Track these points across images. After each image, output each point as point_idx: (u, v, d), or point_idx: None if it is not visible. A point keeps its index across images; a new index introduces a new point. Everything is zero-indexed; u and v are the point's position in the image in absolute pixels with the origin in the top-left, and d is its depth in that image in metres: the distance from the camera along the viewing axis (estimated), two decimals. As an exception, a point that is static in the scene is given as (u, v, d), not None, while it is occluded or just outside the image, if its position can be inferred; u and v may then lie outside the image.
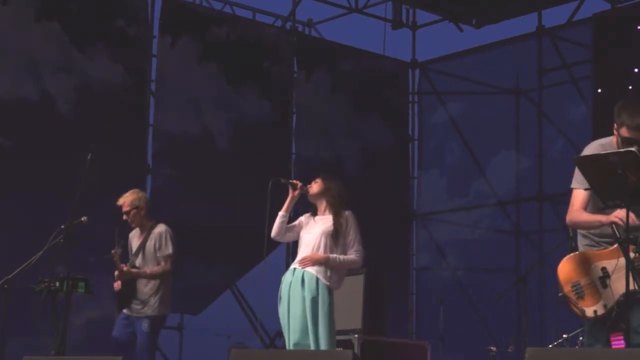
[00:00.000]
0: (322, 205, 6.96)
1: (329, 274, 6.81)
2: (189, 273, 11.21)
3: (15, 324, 8.72)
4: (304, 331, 6.70)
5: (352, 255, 6.88)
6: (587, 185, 5.13)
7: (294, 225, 6.99)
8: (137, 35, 11.97)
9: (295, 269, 6.88)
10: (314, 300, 6.73)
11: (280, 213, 6.92)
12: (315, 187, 6.96)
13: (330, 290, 6.82)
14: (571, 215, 5.22)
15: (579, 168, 5.10)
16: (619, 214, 4.90)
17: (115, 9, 11.83)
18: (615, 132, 5.17)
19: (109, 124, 11.35)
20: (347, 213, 6.90)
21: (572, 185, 5.25)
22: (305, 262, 6.81)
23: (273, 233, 6.96)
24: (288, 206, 6.94)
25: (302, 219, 7.01)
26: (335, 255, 6.82)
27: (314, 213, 7.00)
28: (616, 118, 5.12)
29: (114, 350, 7.77)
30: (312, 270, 6.79)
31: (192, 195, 12.00)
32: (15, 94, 10.97)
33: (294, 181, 6.96)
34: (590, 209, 5.19)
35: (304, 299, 6.75)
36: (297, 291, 6.79)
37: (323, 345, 6.65)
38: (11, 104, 10.91)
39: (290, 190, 6.94)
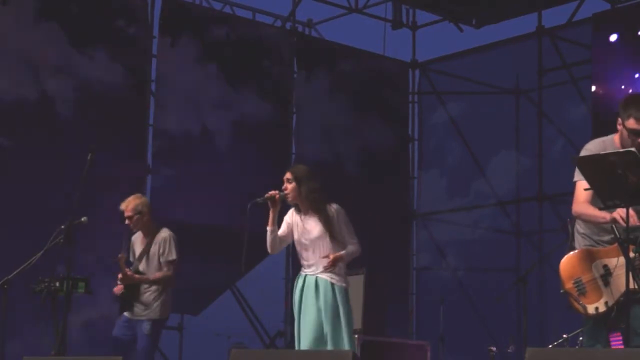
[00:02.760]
0: (303, 203, 6.85)
1: (341, 275, 6.77)
2: (189, 273, 11.17)
3: (15, 324, 8.73)
4: (319, 339, 6.64)
5: (352, 246, 6.80)
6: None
7: (284, 232, 6.87)
8: (137, 35, 11.96)
9: (306, 275, 6.81)
10: (333, 307, 6.67)
11: (268, 228, 6.80)
12: (290, 189, 6.79)
13: (346, 291, 6.79)
14: (578, 207, 5.23)
15: (579, 168, 5.10)
16: (622, 212, 4.91)
17: (115, 9, 11.82)
18: (619, 127, 5.19)
19: (109, 124, 11.34)
20: (332, 207, 6.77)
21: (575, 178, 5.26)
22: (328, 265, 6.69)
23: (269, 250, 6.87)
24: (273, 220, 6.80)
25: (288, 219, 6.89)
26: (344, 252, 6.75)
27: (298, 209, 6.89)
28: (622, 112, 5.16)
29: (113, 349, 7.77)
30: (324, 276, 6.74)
31: (192, 195, 12.00)
32: (15, 94, 10.96)
33: (271, 193, 6.76)
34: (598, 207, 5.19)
35: (318, 306, 6.68)
36: (310, 298, 6.72)
37: (347, 347, 6.60)
38: (11, 104, 10.90)
39: (270, 204, 6.78)
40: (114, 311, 8.39)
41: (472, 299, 13.40)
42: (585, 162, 5.04)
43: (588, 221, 5.22)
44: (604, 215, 5.04)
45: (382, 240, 13.13)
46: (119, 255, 7.65)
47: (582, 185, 5.19)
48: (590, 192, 5.14)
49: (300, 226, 6.81)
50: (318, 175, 6.91)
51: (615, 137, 5.25)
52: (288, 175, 6.83)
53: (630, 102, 5.16)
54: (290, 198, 6.80)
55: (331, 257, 6.67)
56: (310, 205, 6.77)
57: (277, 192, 6.77)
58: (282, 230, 6.85)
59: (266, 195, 6.77)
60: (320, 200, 6.78)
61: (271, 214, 6.80)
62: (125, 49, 11.81)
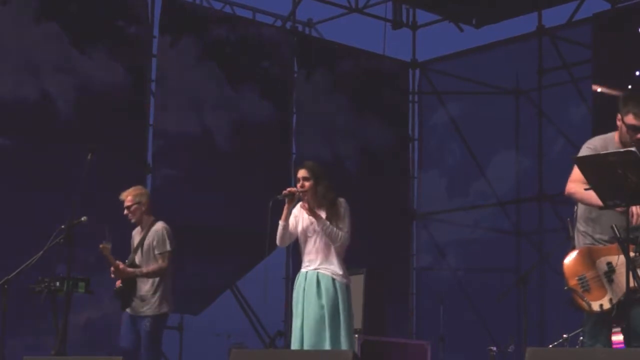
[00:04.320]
0: (316, 200, 6.90)
1: (341, 271, 6.78)
2: (189, 273, 11.21)
3: (15, 324, 8.73)
4: (320, 334, 6.66)
5: (340, 232, 6.78)
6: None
7: (293, 225, 6.92)
8: (137, 35, 11.96)
9: (307, 272, 6.83)
10: (334, 303, 6.69)
11: (281, 223, 6.85)
12: (308, 187, 6.85)
13: (348, 288, 6.81)
14: (572, 187, 5.22)
15: (579, 168, 5.09)
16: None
17: (115, 9, 11.82)
18: (618, 122, 5.20)
19: (109, 123, 11.34)
20: (341, 203, 6.86)
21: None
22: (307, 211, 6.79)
23: (278, 242, 6.91)
24: (286, 215, 6.87)
25: (296, 212, 6.94)
26: (326, 221, 6.77)
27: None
28: (622, 107, 5.17)
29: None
30: (326, 272, 6.76)
31: (192, 195, 12.00)
32: (15, 94, 10.97)
33: (290, 190, 6.86)
34: (588, 209, 5.19)
35: (321, 304, 6.69)
36: (312, 294, 6.74)
37: (345, 346, 6.60)
38: (11, 104, 10.90)
39: (287, 200, 6.85)
40: (114, 311, 8.38)
41: (472, 299, 13.39)
42: (585, 162, 5.04)
43: (580, 201, 5.23)
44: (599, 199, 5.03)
45: (382, 240, 13.13)
46: (101, 246, 7.52)
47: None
48: None
49: (307, 219, 6.84)
50: (329, 172, 6.99)
51: (615, 135, 5.25)
52: (304, 173, 6.87)
53: (629, 98, 5.18)
54: (308, 196, 6.83)
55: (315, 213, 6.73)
56: (324, 202, 6.81)
57: (295, 189, 6.82)
58: (290, 223, 6.92)
59: (284, 192, 6.81)
60: (333, 201, 6.85)
61: (285, 209, 6.87)
62: (126, 48, 11.81)
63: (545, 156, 13.15)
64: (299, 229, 6.90)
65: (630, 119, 5.11)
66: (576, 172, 5.22)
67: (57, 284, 7.40)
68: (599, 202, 5.01)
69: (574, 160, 5.13)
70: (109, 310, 10.19)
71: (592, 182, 5.02)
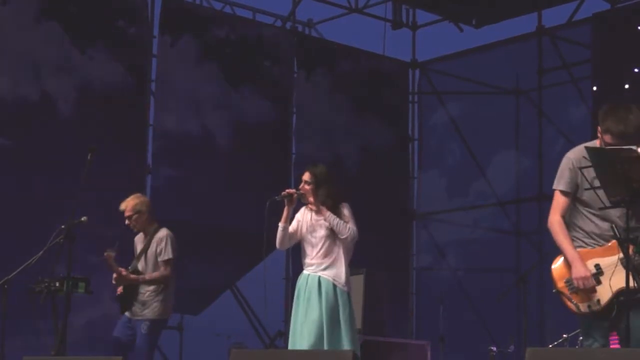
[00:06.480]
0: (316, 202, 6.89)
1: (343, 278, 6.77)
2: (189, 273, 11.20)
3: (15, 324, 8.73)
4: (320, 337, 6.65)
5: (348, 224, 6.76)
6: (567, 187, 5.12)
7: (294, 229, 6.91)
8: (137, 35, 11.97)
9: (309, 274, 6.83)
10: (334, 309, 6.69)
11: (281, 225, 6.83)
12: (307, 190, 6.84)
13: (349, 295, 6.79)
14: (552, 223, 5.20)
15: (590, 158, 5.01)
16: (583, 279, 4.98)
17: (115, 9, 11.83)
18: (599, 135, 5.15)
19: (109, 123, 11.35)
20: (342, 204, 6.83)
21: (554, 186, 5.24)
22: (312, 207, 6.80)
23: (278, 245, 6.91)
24: (286, 217, 6.85)
25: (299, 216, 6.94)
26: (334, 216, 6.76)
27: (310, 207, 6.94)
28: (601, 123, 5.08)
29: (114, 350, 7.76)
30: (327, 277, 6.75)
31: (192, 195, 12.00)
32: (15, 94, 10.97)
33: (288, 191, 6.85)
34: (587, 210, 5.18)
35: (321, 307, 6.69)
36: (314, 298, 6.73)
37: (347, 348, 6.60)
38: (11, 104, 10.91)
39: (286, 202, 6.85)
40: (114, 311, 8.37)
41: (472, 299, 13.40)
42: (596, 155, 4.96)
43: (554, 240, 5.21)
44: (570, 252, 5.07)
45: (382, 240, 13.13)
46: (105, 254, 7.54)
47: (559, 197, 5.18)
48: (566, 203, 5.13)
49: (310, 224, 6.84)
50: (336, 177, 6.94)
51: (597, 143, 5.21)
52: (307, 176, 6.85)
53: (608, 115, 5.03)
54: (307, 198, 6.81)
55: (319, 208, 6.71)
56: (330, 202, 6.80)
57: (294, 190, 6.81)
58: (292, 227, 6.88)
59: (283, 193, 6.80)
60: (335, 205, 6.80)
61: (285, 211, 6.85)
62: (126, 48, 11.82)
63: (545, 156, 13.14)
64: (302, 233, 6.88)
65: (607, 138, 5.02)
66: (557, 201, 5.20)
67: (57, 284, 7.40)
68: (565, 253, 5.06)
69: (585, 150, 5.06)
70: (109, 310, 10.18)
71: (599, 175, 4.95)
